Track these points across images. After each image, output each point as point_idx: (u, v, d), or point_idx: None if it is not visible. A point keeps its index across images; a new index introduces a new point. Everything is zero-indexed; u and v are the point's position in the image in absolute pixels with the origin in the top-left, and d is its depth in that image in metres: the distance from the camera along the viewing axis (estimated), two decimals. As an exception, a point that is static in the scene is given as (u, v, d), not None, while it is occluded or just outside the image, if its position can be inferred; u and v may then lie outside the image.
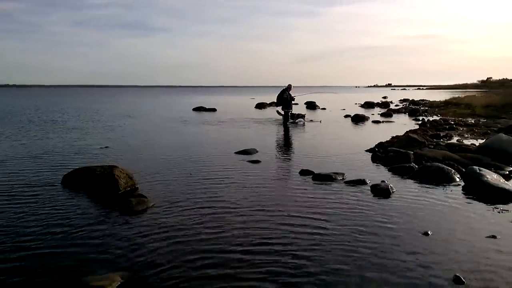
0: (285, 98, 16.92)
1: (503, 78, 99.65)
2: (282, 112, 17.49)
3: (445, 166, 7.24)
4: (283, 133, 14.66)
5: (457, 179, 6.87)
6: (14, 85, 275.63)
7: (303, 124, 17.18)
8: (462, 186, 6.52)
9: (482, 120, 17.53)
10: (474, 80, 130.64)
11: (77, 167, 7.21)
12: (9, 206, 5.49)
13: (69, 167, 7.81)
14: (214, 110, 27.09)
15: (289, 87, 17.02)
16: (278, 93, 17.37)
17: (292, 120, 17.44)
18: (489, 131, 13.22)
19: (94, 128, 16.08)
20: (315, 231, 4.55)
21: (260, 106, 31.80)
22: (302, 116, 18.05)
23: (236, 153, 9.75)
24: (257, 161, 8.73)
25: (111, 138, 12.82)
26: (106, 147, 10.77)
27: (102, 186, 6.18)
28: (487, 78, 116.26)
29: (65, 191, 6.30)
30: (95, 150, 10.35)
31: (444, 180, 6.81)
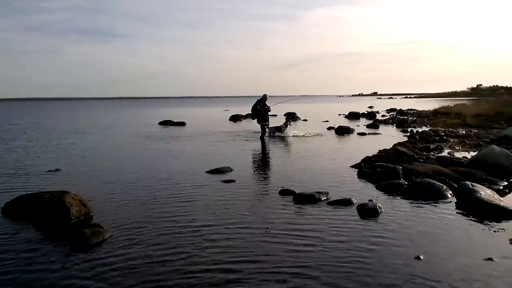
0: (258, 110, 16.96)
1: (494, 85, 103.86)
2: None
3: (436, 182, 7.38)
4: (261, 148, 14.66)
5: (449, 196, 7.00)
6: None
7: (287, 136, 17.44)
8: (455, 203, 6.64)
9: (473, 130, 18.10)
10: (463, 87, 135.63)
11: (22, 194, 6.94)
12: None
13: (11, 193, 7.51)
14: (183, 124, 26.93)
15: (264, 98, 17.06)
16: (253, 104, 17.47)
17: (269, 134, 17.49)
18: (481, 143, 13.63)
19: (43, 147, 15.61)
20: (297, 259, 4.48)
21: (235, 118, 31.90)
22: (285, 126, 18.14)
23: (207, 172, 9.64)
24: (231, 181, 8.65)
25: (63, 158, 12.45)
26: (57, 169, 10.43)
27: (50, 216, 5.93)
28: (477, 85, 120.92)
29: (6, 222, 6.02)
30: (43, 173, 10.01)
31: (435, 197, 6.93)
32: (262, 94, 17.39)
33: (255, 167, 11.03)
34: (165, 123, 27.65)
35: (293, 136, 17.68)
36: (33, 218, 6.06)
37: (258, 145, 15.52)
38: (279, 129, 18.04)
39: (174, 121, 28.10)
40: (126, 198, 7.36)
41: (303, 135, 18.10)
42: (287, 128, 18.23)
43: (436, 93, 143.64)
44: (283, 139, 17.04)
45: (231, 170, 9.87)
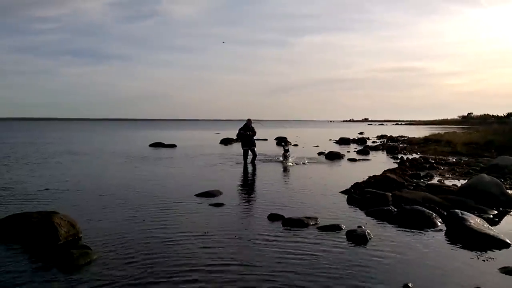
0: (248, 135, 16.80)
1: (485, 114, 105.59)
2: (287, 148, 17.69)
3: (425, 209, 7.46)
4: (251, 172, 14.70)
5: (439, 224, 7.07)
6: None
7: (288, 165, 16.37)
8: (445, 231, 6.70)
9: (463, 158, 18.35)
10: (454, 115, 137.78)
11: (10, 214, 6.89)
12: None
13: (0, 213, 7.43)
14: (173, 146, 26.93)
15: (249, 122, 16.94)
16: (242, 131, 16.89)
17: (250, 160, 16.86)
18: (471, 171, 13.82)
19: (34, 166, 15.51)
20: (285, 284, 4.49)
21: (226, 141, 31.95)
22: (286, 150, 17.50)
23: (197, 195, 9.64)
24: (220, 204, 8.66)
25: (52, 178, 12.39)
26: (46, 189, 10.38)
27: (39, 236, 5.90)
28: (468, 113, 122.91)
29: (-7, 243, 5.96)
30: (32, 193, 9.94)
31: (425, 224, 7.00)
32: (246, 119, 17.11)
33: (244, 191, 11.06)
34: (156, 145, 27.63)
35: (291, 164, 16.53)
36: (21, 238, 6.01)
37: (248, 169, 15.56)
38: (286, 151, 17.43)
39: (165, 143, 28.09)
40: (115, 219, 7.33)
41: (302, 163, 16.91)
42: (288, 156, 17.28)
43: (427, 121, 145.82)
44: (272, 164, 17.08)
45: (220, 193, 9.88)
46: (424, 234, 6.57)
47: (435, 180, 12.00)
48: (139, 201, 8.97)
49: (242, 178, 13.33)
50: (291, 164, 16.50)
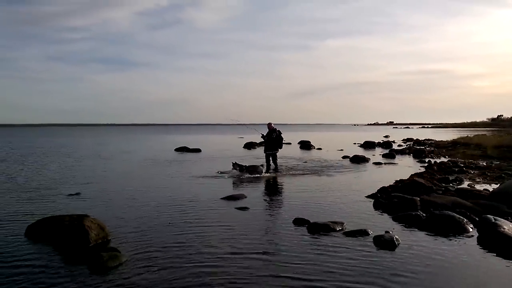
0: (274, 138, 16.41)
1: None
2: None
3: (456, 214, 7.26)
4: (275, 176, 14.64)
5: (470, 230, 6.87)
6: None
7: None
8: (476, 238, 6.50)
9: (494, 162, 17.80)
10: (483, 118, 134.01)
11: (43, 217, 7.08)
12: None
13: (34, 216, 7.69)
14: (198, 150, 27.16)
15: (270, 126, 16.19)
16: (266, 137, 16.15)
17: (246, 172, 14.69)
18: (503, 175, 13.40)
19: (64, 171, 15.93)
20: (312, 290, 4.46)
21: (249, 146, 32.02)
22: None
23: (222, 198, 9.69)
24: (245, 208, 8.68)
25: (83, 183, 12.69)
26: (77, 193, 10.63)
27: (70, 238, 6.05)
28: (498, 115, 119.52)
29: (29, 244, 6.16)
30: (64, 197, 10.21)
31: (455, 230, 6.81)
32: (268, 122, 16.43)
33: (268, 195, 11.05)
34: (182, 149, 27.93)
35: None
36: (54, 240, 6.17)
37: (271, 172, 15.48)
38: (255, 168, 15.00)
39: (190, 147, 28.37)
40: (143, 222, 7.44)
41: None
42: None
43: (455, 123, 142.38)
44: (295, 169, 16.98)
45: (245, 197, 9.91)
46: (455, 240, 6.39)
47: (465, 185, 11.69)
48: (166, 204, 9.08)
49: (266, 182, 13.31)
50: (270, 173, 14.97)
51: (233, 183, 12.65)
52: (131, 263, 5.29)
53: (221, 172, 14.88)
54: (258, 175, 14.35)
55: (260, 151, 26.35)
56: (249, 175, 14.22)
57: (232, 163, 15.09)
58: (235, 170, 14.70)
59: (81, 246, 5.92)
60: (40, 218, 6.95)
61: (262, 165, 15.50)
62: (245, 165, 14.98)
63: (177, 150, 27.87)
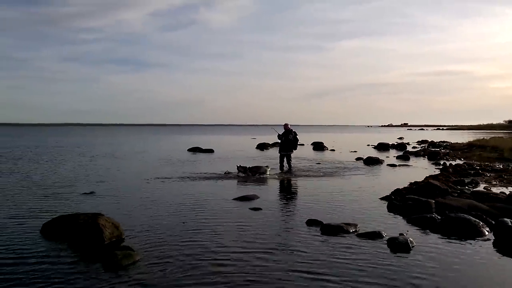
0: (290, 139, 16.41)
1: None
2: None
3: (471, 217, 7.15)
4: (288, 177, 14.60)
5: (486, 233, 6.75)
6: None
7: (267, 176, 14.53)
8: (493, 241, 6.39)
9: (511, 165, 17.51)
10: (500, 120, 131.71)
11: (59, 215, 7.19)
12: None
13: (49, 214, 7.80)
14: (211, 151, 27.24)
15: (286, 126, 16.23)
16: (283, 137, 16.08)
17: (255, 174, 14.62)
18: (520, 178, 13.16)
19: (79, 170, 16.13)
20: (325, 292, 4.43)
21: (262, 147, 32.00)
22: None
23: (234, 199, 9.71)
24: (258, 209, 8.67)
25: (97, 182, 12.83)
26: (91, 192, 10.75)
27: (85, 237, 6.11)
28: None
29: (44, 242, 6.25)
30: (78, 195, 10.33)
31: (471, 233, 6.70)
32: (284, 123, 16.41)
33: (281, 196, 11.03)
34: (194, 149, 28.05)
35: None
36: (68, 238, 6.25)
37: (284, 173, 15.46)
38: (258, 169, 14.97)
39: (203, 148, 28.47)
40: (156, 221, 7.49)
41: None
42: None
43: (470, 125, 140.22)
44: (308, 170, 16.92)
45: (257, 197, 9.91)
46: (471, 244, 6.29)
47: (481, 187, 11.51)
48: (178, 204, 9.13)
49: (279, 183, 13.29)
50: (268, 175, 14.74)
51: (237, 183, 12.70)
52: (144, 262, 5.33)
53: (228, 172, 14.90)
54: (262, 176, 14.30)
55: (273, 152, 26.34)
56: (252, 176, 14.18)
57: (237, 166, 15.09)
58: (240, 173, 14.66)
59: (95, 245, 5.98)
60: (56, 216, 7.05)
61: (267, 166, 15.48)
62: (248, 167, 14.95)
63: (190, 150, 28.00)
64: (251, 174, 14.46)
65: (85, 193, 10.56)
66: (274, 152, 25.04)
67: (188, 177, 13.93)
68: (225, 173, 14.85)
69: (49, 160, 20.52)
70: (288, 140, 15.98)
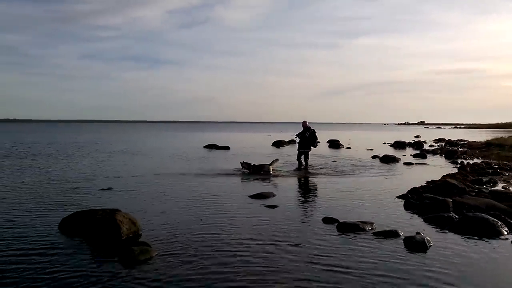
0: (307, 137, 16.43)
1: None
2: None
3: (490, 217, 7.02)
4: (303, 174, 14.56)
5: (505, 233, 6.62)
6: (14, 120, 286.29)
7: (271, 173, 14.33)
8: (511, 241, 6.27)
9: (530, 164, 17.12)
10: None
11: (77, 210, 7.30)
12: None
13: (68, 209, 7.93)
14: (227, 148, 27.31)
15: (304, 124, 16.43)
16: (300, 135, 16.34)
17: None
18: (539, 177, 12.87)
19: (96, 166, 16.35)
20: (340, 290, 4.41)
21: (278, 144, 31.96)
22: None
23: (250, 196, 9.71)
24: (274, 206, 8.66)
25: (114, 177, 12.99)
26: (108, 188, 10.88)
27: (102, 232, 6.19)
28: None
29: (62, 237, 6.35)
30: (96, 191, 10.48)
31: (489, 233, 6.58)
32: (302, 120, 16.63)
33: (297, 193, 11.01)
34: (210, 146, 28.17)
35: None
36: (86, 234, 6.34)
37: (301, 171, 15.41)
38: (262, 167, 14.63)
39: (219, 145, 28.57)
40: (173, 218, 7.55)
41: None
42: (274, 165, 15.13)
43: (489, 124, 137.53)
44: (324, 167, 16.83)
45: (273, 195, 9.90)
46: (489, 243, 6.18)
47: (499, 187, 11.28)
48: (195, 200, 9.19)
49: (295, 180, 13.25)
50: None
51: (242, 180, 12.78)
52: (161, 257, 5.38)
53: (236, 169, 14.93)
54: (264, 174, 14.08)
55: (289, 149, 26.33)
56: (255, 174, 14.09)
57: (241, 162, 15.04)
58: (244, 169, 14.65)
59: (113, 240, 6.05)
60: (73, 212, 7.16)
61: (275, 159, 15.37)
62: (252, 164, 14.86)
63: (206, 147, 28.12)
64: (253, 172, 14.32)
65: (102, 189, 10.70)
66: (290, 150, 25.03)
67: (204, 174, 14.00)
68: (235, 170, 14.76)
69: (67, 156, 20.85)
70: (305, 137, 16.11)
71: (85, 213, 6.85)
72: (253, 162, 15.02)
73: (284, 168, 15.77)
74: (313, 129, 16.22)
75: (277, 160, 15.50)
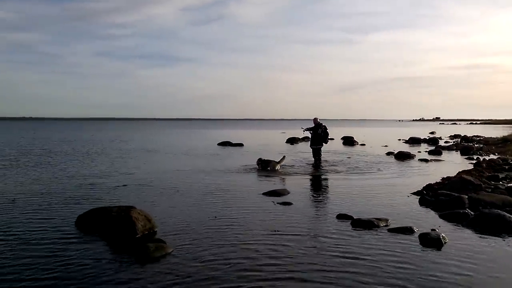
0: (319, 134, 16.39)
1: None
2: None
3: (506, 213, 6.90)
4: (317, 171, 14.50)
5: (522, 229, 6.51)
6: (30, 118, 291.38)
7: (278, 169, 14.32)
8: (528, 238, 6.16)
9: (548, 159, 16.75)
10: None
11: (93, 207, 7.40)
12: (17, 250, 5.64)
13: (84, 206, 8.04)
14: (241, 145, 27.36)
15: (315, 121, 16.33)
16: (311, 132, 16.27)
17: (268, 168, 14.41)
18: (557, 173, 12.58)
19: (111, 164, 16.52)
20: (355, 286, 4.38)
21: (292, 141, 31.88)
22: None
23: (264, 193, 9.71)
24: (288, 203, 8.65)
25: (130, 175, 13.11)
26: (124, 185, 11.00)
27: (118, 229, 6.25)
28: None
29: (79, 234, 6.44)
30: (111, 188, 10.59)
31: (505, 230, 6.46)
32: (313, 117, 16.49)
33: (312, 190, 10.96)
34: (224, 144, 28.25)
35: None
36: (102, 230, 6.41)
37: (314, 168, 15.35)
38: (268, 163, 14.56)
39: (233, 142, 28.64)
40: (188, 215, 7.59)
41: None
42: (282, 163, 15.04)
43: (505, 120, 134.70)
44: (338, 164, 16.73)
45: (288, 192, 9.88)
46: (505, 240, 6.07)
47: (516, 183, 11.08)
48: (209, 197, 9.22)
49: (309, 177, 13.21)
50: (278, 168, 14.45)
51: (256, 178, 12.80)
52: (176, 254, 5.41)
53: (251, 167, 14.92)
54: (270, 170, 14.10)
55: (302, 146, 26.25)
56: (263, 170, 14.15)
57: (258, 160, 14.96)
58: (259, 167, 14.62)
59: (128, 237, 6.11)
60: (90, 209, 7.25)
61: (283, 157, 15.28)
62: (262, 160, 14.82)
63: (220, 144, 28.22)
64: (263, 167, 14.38)
65: (118, 186, 10.82)
66: (304, 147, 24.93)
67: (218, 171, 14.04)
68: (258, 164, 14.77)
69: (84, 153, 21.13)
70: (317, 134, 16.11)
71: (101, 210, 6.94)
72: (265, 158, 15.02)
73: (298, 165, 15.75)
74: (325, 126, 16.21)
75: (284, 157, 15.47)
